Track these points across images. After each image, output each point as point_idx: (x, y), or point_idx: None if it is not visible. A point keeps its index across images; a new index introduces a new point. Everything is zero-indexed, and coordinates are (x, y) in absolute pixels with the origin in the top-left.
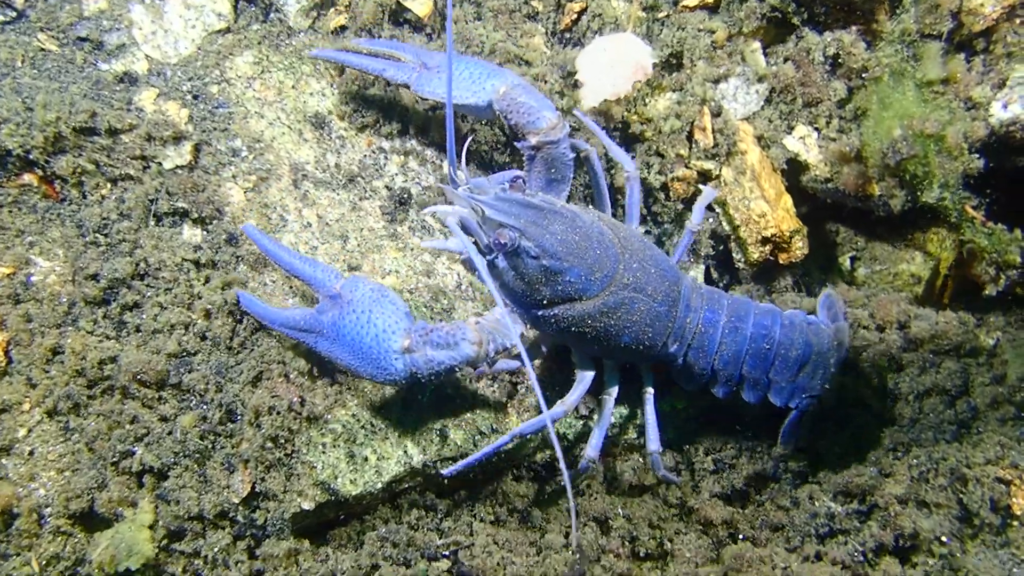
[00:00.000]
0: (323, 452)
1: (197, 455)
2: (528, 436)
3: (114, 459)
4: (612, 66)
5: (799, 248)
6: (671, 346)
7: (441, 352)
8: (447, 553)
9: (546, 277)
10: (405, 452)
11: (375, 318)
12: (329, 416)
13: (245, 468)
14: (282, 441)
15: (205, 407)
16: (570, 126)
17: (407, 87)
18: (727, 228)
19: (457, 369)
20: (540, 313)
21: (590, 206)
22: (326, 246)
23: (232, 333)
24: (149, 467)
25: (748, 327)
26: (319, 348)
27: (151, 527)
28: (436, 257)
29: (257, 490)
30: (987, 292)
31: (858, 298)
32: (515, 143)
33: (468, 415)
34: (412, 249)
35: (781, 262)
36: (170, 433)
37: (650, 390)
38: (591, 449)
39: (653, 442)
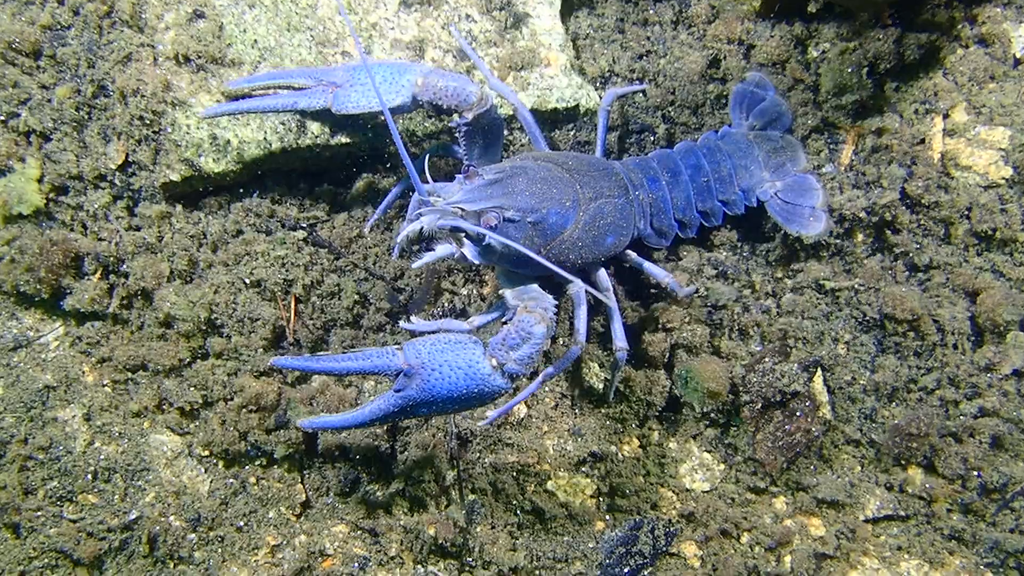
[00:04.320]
0: (187, 133)
1: (75, 123)
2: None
3: (2, 118)
4: None
5: None
6: (640, 224)
7: (524, 347)
8: (304, 225)
9: (535, 230)
10: (265, 139)
11: (454, 362)
12: (193, 100)
13: (119, 139)
14: (148, 120)
15: (78, 81)
16: None
17: (327, 110)
18: None
19: (543, 349)
20: (541, 260)
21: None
22: None
23: (104, 14)
24: (33, 129)
25: (683, 171)
26: (419, 414)
27: (39, 180)
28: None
29: (131, 160)
30: (810, 9)
31: (704, 11)
32: (450, 124)
33: None
34: None
35: None
36: (49, 101)
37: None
38: (580, 335)
39: (620, 339)
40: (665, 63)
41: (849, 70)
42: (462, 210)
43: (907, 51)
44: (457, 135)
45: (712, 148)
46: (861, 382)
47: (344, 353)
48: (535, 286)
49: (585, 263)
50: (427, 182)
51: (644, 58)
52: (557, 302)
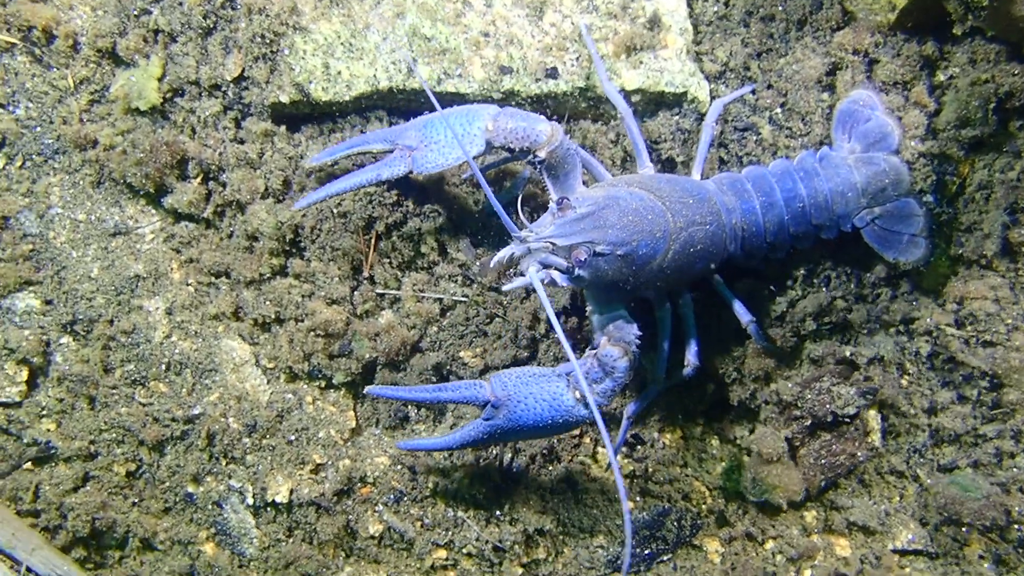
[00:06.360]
0: (302, 58)
1: (201, 29)
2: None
3: (136, 13)
4: None
5: None
6: (730, 248)
7: (606, 381)
8: None
9: (625, 262)
10: (375, 76)
11: (539, 395)
12: (314, 27)
13: (239, 52)
14: (268, 40)
15: None
16: None
17: (410, 174)
18: None
19: (626, 382)
20: (630, 288)
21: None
22: None
23: None
24: (161, 29)
25: (778, 196)
26: (507, 440)
27: (159, 79)
28: None
29: (246, 74)
30: (955, 32)
31: (835, 16)
32: (525, 162)
33: (437, 55)
34: None
35: None
36: (180, 4)
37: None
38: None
39: (693, 357)
40: (784, 63)
41: (976, 103)
42: (553, 244)
43: None
44: (535, 173)
45: (809, 171)
46: (919, 417)
47: (440, 385)
48: (622, 310)
49: (672, 288)
50: (519, 221)
51: (762, 56)
52: (640, 333)
